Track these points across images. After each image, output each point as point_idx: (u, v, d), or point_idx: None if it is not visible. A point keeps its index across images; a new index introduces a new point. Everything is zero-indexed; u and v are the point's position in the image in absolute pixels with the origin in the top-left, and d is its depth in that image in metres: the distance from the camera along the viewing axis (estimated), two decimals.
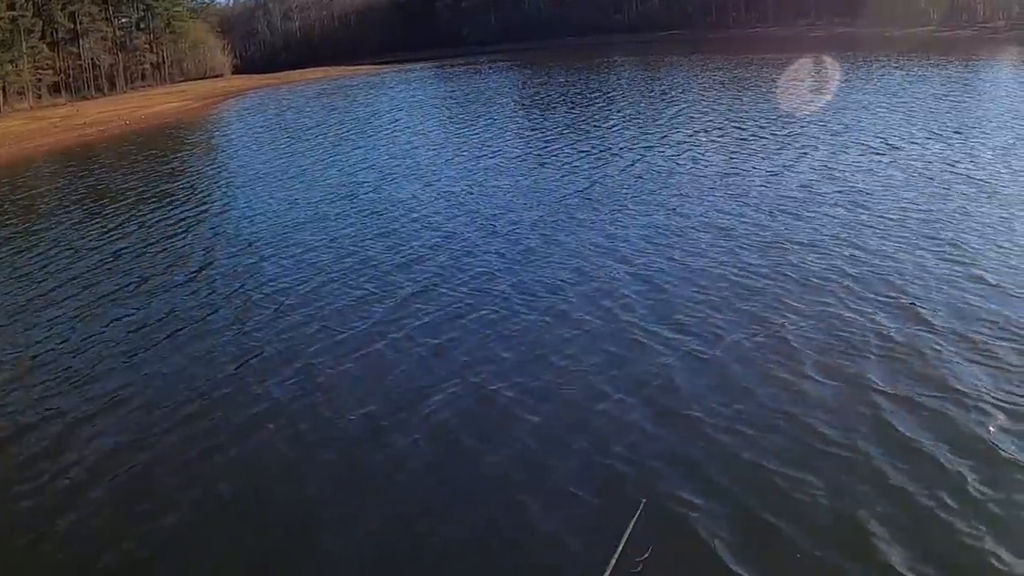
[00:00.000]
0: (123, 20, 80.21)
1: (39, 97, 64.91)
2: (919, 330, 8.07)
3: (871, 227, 11.69)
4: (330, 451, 6.96)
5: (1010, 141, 16.97)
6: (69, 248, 15.87)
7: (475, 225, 14.25)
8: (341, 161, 23.79)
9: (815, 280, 9.72)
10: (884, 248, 10.71)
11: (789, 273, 10.03)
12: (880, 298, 8.97)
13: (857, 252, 10.61)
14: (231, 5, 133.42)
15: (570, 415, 7.09)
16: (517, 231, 13.52)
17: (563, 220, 13.90)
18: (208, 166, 26.79)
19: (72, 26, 71.96)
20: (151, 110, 53.04)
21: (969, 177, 14.08)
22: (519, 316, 9.54)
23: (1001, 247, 10.33)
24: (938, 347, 7.66)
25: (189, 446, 7.24)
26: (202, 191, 21.72)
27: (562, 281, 10.62)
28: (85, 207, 20.97)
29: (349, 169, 22.07)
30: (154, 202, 20.36)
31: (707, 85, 35.48)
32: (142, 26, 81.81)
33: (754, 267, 10.41)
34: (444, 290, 10.74)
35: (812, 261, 10.43)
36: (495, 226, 14.00)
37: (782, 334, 8.24)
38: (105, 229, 17.48)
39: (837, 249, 10.81)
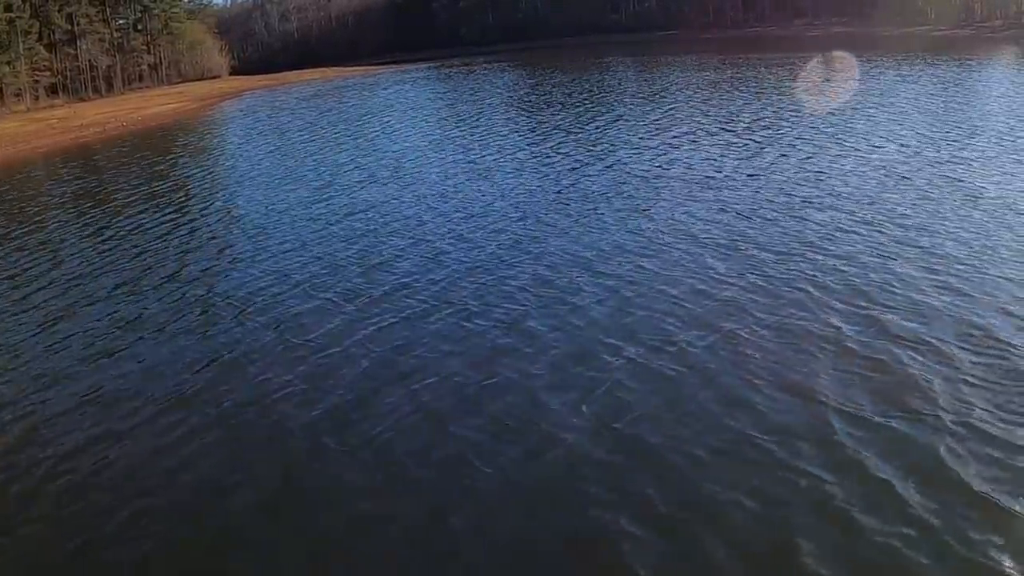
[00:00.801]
0: (120, 21, 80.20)
1: (36, 99, 64.87)
2: (884, 344, 7.83)
3: (848, 232, 11.49)
4: (284, 457, 7.04)
5: (999, 144, 16.89)
6: (56, 250, 16.00)
7: (447, 229, 14.22)
8: (328, 163, 23.85)
9: (784, 290, 9.49)
10: (857, 255, 10.48)
11: (758, 282, 9.83)
12: (847, 309, 8.75)
13: (830, 259, 10.40)
14: (229, 6, 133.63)
15: (510, 427, 7.01)
16: (486, 237, 13.45)
17: (534, 225, 13.78)
18: (201, 168, 26.79)
19: (69, 27, 71.95)
20: (148, 111, 53.07)
21: (954, 181, 13.98)
22: (473, 324, 9.48)
23: (978, 255, 10.11)
24: (903, 362, 7.42)
25: (144, 446, 7.41)
26: (193, 194, 21.75)
27: (523, 289, 10.51)
28: (77, 209, 21.01)
29: (335, 171, 22.15)
30: (145, 204, 20.40)
31: (699, 86, 35.49)
32: (139, 27, 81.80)
33: (722, 275, 10.22)
34: (406, 296, 10.71)
35: (783, 270, 10.19)
36: (466, 231, 13.97)
37: (744, 348, 8.04)
38: (95, 231, 17.55)
39: (811, 257, 10.57)
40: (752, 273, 10.22)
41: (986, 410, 6.52)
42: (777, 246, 11.26)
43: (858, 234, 11.45)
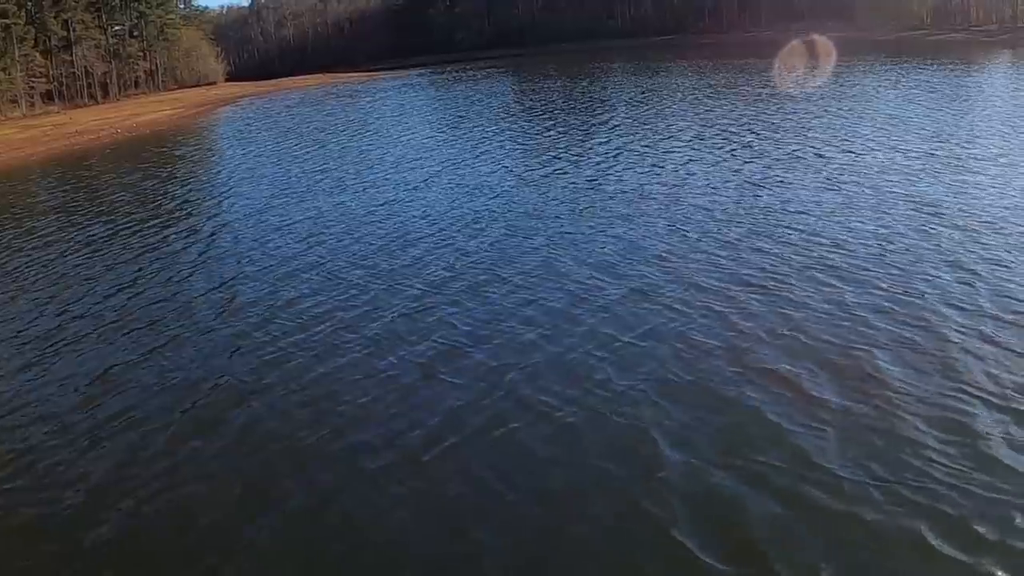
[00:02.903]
0: (116, 28, 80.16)
1: (32, 105, 64.70)
2: (815, 379, 7.35)
3: (799, 255, 11.00)
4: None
5: (972, 154, 16.55)
6: (37, 256, 15.99)
7: (392, 244, 13.95)
8: (303, 170, 24.06)
9: (721, 325, 8.92)
10: (805, 280, 10.01)
11: (696, 316, 9.21)
12: (783, 337, 8.33)
13: (775, 282, 9.97)
14: (225, 12, 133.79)
15: (398, 469, 6.72)
16: (429, 252, 13.11)
17: (481, 243, 13.41)
18: (178, 178, 26.57)
19: (65, 34, 71.84)
20: (143, 118, 52.95)
21: (912, 191, 13.75)
22: (393, 357, 8.98)
23: (931, 279, 9.67)
24: (830, 397, 7.01)
25: (50, 453, 7.59)
26: (162, 204, 21.52)
27: (453, 315, 10.05)
28: (50, 219, 20.94)
29: (308, 178, 22.48)
30: (115, 214, 20.35)
31: (685, 92, 35.34)
32: (135, 34, 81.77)
33: (666, 303, 9.61)
34: (329, 322, 10.30)
35: (726, 297, 9.64)
36: (409, 245, 13.75)
37: (670, 396, 7.45)
38: (60, 240, 17.61)
39: (755, 283, 10.04)
40: (697, 309, 9.41)
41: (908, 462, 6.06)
42: (725, 271, 10.65)
43: (809, 256, 10.96)
